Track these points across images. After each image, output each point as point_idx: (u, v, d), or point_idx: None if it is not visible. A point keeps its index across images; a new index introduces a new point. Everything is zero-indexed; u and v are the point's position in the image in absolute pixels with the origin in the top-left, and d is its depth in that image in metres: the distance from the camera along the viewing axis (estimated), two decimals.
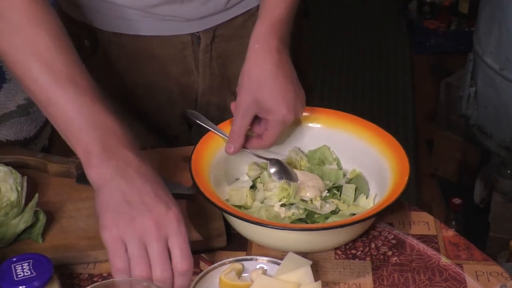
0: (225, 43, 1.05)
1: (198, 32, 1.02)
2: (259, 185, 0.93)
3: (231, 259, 0.83)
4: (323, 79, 2.78)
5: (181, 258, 0.74)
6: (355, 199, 0.92)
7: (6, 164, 0.92)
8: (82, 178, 0.96)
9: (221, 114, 1.06)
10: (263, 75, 0.88)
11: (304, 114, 0.99)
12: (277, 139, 0.92)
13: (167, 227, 0.74)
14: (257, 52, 0.89)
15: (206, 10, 1.00)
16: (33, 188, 0.92)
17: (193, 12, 1.00)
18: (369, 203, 0.91)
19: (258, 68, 0.89)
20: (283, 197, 0.90)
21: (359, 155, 0.96)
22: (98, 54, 1.03)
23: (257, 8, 0.99)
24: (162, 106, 1.07)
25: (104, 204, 0.74)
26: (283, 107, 0.88)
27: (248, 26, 1.02)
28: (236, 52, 1.05)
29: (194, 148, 0.92)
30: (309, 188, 0.91)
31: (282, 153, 0.98)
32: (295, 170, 0.94)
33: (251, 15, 1.04)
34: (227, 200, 0.89)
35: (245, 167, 0.96)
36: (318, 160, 0.97)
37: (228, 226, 0.89)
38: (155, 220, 0.73)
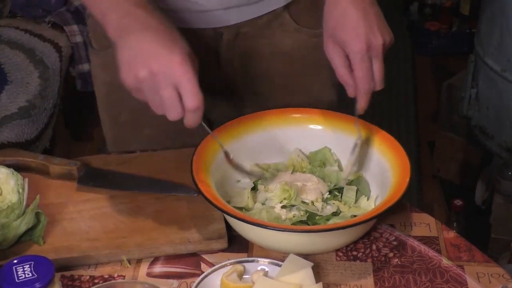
0: (250, 42, 1.04)
1: (221, 28, 1.02)
2: (260, 187, 0.93)
3: (232, 260, 0.83)
4: None
5: (188, 97, 0.79)
6: (356, 201, 0.92)
7: (8, 166, 0.92)
8: (83, 180, 0.97)
9: (238, 113, 1.04)
10: (336, 11, 0.88)
11: (304, 115, 0.99)
12: (378, 74, 0.87)
13: (171, 72, 0.78)
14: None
15: (228, 2, 0.98)
16: (34, 190, 0.92)
17: (216, 1, 0.98)
18: (370, 205, 0.91)
19: (333, 6, 0.89)
20: (284, 199, 0.90)
21: (361, 157, 0.95)
22: None
23: (283, 9, 1.00)
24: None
25: (118, 59, 0.81)
26: (353, 36, 0.86)
27: (274, 28, 1.02)
28: (260, 52, 1.04)
29: (196, 149, 0.92)
30: (310, 190, 0.91)
31: (284, 155, 0.98)
32: (297, 173, 0.94)
33: (277, 16, 1.02)
34: (228, 201, 0.89)
35: (247, 168, 0.96)
36: (319, 162, 0.97)
37: (229, 228, 0.89)
38: (157, 70, 0.78)
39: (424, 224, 0.93)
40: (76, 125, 2.51)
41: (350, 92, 0.89)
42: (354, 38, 0.85)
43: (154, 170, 0.99)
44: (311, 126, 0.99)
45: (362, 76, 0.87)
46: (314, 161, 0.98)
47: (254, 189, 0.94)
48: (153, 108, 0.81)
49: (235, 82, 1.07)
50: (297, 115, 1.00)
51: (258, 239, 0.86)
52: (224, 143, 0.93)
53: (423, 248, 0.89)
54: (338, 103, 1.09)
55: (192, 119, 0.81)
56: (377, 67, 0.87)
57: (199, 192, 0.85)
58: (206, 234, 0.88)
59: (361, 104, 0.89)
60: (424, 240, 0.90)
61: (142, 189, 0.96)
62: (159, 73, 0.78)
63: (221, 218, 0.90)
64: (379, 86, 0.88)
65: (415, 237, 0.90)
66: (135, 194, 0.95)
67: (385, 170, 0.91)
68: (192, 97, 0.79)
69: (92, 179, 0.97)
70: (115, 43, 0.81)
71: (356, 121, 0.93)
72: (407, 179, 0.86)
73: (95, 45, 1.07)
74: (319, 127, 0.99)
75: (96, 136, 2.56)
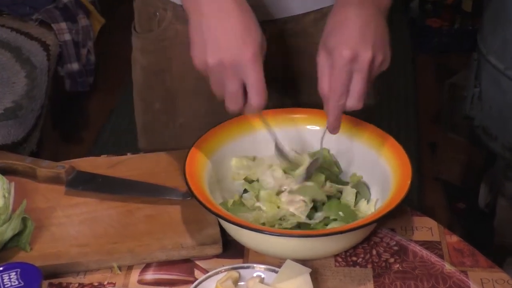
0: (294, 38, 1.04)
1: (265, 22, 1.00)
2: (249, 195, 0.93)
3: (227, 267, 0.83)
4: None
5: (254, 93, 0.81)
6: (355, 204, 0.92)
7: None
8: (72, 184, 0.97)
9: None
10: (337, 17, 0.85)
11: (302, 115, 0.99)
12: (356, 91, 0.82)
13: (241, 66, 0.79)
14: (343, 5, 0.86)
15: None
16: (21, 194, 0.92)
17: None
18: (370, 208, 0.91)
19: (337, 12, 0.86)
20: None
21: (360, 159, 0.95)
22: (161, 30, 1.04)
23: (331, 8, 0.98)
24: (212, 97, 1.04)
25: (190, 35, 0.82)
26: (341, 42, 0.82)
27: (319, 26, 1.00)
28: (303, 50, 1.04)
29: (189, 151, 0.92)
30: (296, 203, 0.90)
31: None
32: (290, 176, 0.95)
33: (324, 15, 1.01)
34: (222, 204, 0.89)
35: (243, 170, 0.96)
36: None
37: (224, 233, 0.89)
38: (228, 60, 0.79)
39: (426, 228, 0.92)
40: (64, 126, 2.50)
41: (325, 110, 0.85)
42: (341, 45, 0.81)
43: (146, 173, 0.99)
44: (308, 126, 0.99)
45: (333, 87, 0.83)
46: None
47: (245, 191, 0.95)
48: (214, 91, 0.84)
49: (275, 78, 1.07)
50: (295, 115, 1.01)
51: (253, 244, 0.86)
52: (221, 142, 0.94)
53: (425, 253, 0.88)
54: (376, 108, 1.09)
55: (252, 113, 0.85)
56: (357, 83, 0.82)
57: (193, 195, 0.85)
58: (199, 239, 0.88)
59: (329, 120, 0.85)
60: (426, 244, 0.90)
61: (133, 193, 0.96)
62: (228, 64, 0.80)
63: (215, 223, 0.90)
64: (355, 104, 0.83)
65: (416, 242, 0.90)
66: (126, 198, 0.95)
67: (385, 172, 0.91)
68: (258, 95, 0.81)
69: (81, 182, 0.97)
70: (190, 16, 0.83)
71: (321, 139, 0.91)
72: (408, 182, 0.86)
73: (138, 28, 1.08)
74: (317, 127, 0.99)
75: (86, 138, 2.56)
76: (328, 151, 0.98)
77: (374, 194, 0.93)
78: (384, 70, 0.85)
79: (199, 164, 0.90)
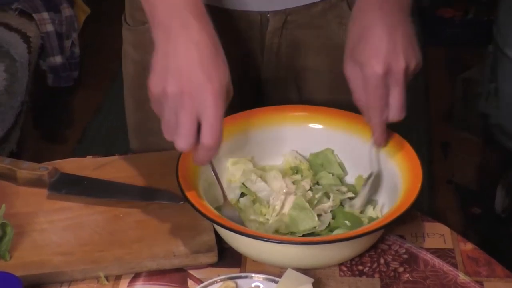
0: (299, 30, 1.04)
1: (268, 12, 1.02)
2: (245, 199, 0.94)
3: (223, 276, 0.83)
4: None
5: (209, 131, 0.79)
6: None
7: None
8: (55, 187, 0.97)
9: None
10: (360, 25, 0.87)
11: (304, 114, 1.00)
12: (396, 103, 0.87)
13: (201, 99, 0.78)
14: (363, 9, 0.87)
15: None
16: (0, 198, 0.91)
17: None
18: (377, 214, 0.92)
19: (358, 19, 0.87)
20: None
21: (366, 159, 0.95)
22: None
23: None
24: None
25: (153, 61, 0.81)
26: (371, 57, 0.84)
27: (328, 18, 1.03)
28: (310, 43, 1.05)
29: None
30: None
31: (277, 158, 0.99)
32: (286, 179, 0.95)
33: (333, 6, 1.03)
34: (218, 208, 0.89)
35: (240, 172, 0.96)
36: (320, 165, 0.98)
37: (219, 240, 0.89)
38: (188, 91, 0.78)
39: (438, 234, 0.93)
40: (47, 125, 2.50)
41: (366, 120, 0.89)
42: (372, 59, 0.84)
43: (135, 175, 1.00)
44: (311, 125, 0.99)
45: (372, 106, 0.86)
46: (315, 164, 0.98)
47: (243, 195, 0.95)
48: (163, 128, 0.82)
49: (278, 73, 1.08)
50: (296, 113, 1.01)
51: (252, 252, 0.87)
52: None
53: (437, 261, 0.89)
54: None
55: (202, 157, 0.82)
56: (396, 95, 0.86)
57: (186, 199, 0.85)
58: (193, 247, 0.88)
59: (375, 135, 0.90)
60: (438, 252, 0.90)
61: (121, 197, 0.96)
62: (188, 95, 0.78)
63: (210, 229, 0.90)
64: (397, 116, 0.88)
65: (427, 250, 0.90)
66: (113, 202, 0.95)
67: (394, 174, 0.91)
68: (212, 134, 0.79)
69: (65, 185, 0.97)
70: (156, 42, 0.82)
71: (370, 151, 0.93)
72: (419, 185, 0.87)
73: (129, 21, 1.08)
74: (320, 126, 0.99)
75: (70, 138, 2.56)
76: (332, 152, 0.98)
77: (381, 198, 0.94)
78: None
79: (193, 166, 0.90)
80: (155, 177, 0.98)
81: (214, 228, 0.90)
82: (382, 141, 0.91)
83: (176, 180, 0.87)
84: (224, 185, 0.94)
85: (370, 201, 0.93)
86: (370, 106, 0.87)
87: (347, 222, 0.88)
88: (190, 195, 0.86)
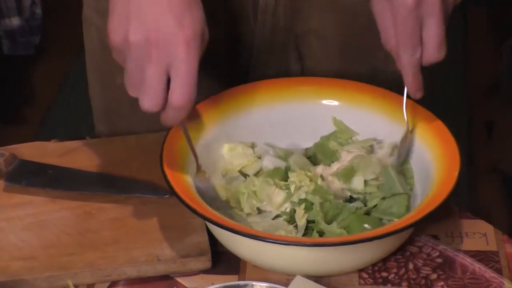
0: None
1: None
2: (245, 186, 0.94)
3: (218, 285, 0.83)
4: None
5: (178, 89, 0.79)
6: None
7: None
8: (14, 177, 0.97)
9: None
10: None
11: (313, 87, 1.00)
12: (433, 39, 0.86)
13: (171, 50, 0.78)
14: None
15: None
16: None
17: None
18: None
19: None
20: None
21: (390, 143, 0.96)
22: None
23: None
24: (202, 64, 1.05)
25: (110, 3, 0.80)
26: None
27: None
28: (312, 3, 1.05)
29: (167, 134, 0.92)
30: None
31: (283, 142, 1.00)
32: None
33: None
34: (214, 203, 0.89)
35: (238, 160, 0.97)
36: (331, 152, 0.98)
37: (213, 241, 0.89)
38: (156, 40, 0.78)
39: (479, 234, 0.93)
40: (2, 102, 2.50)
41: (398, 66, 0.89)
42: None
43: (111, 163, 1.00)
44: (324, 101, 1.00)
45: (402, 42, 0.86)
46: (325, 151, 0.99)
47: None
48: (126, 83, 0.82)
49: (275, 38, 1.08)
50: (304, 87, 1.01)
51: (252, 256, 0.87)
52: (209, 122, 0.94)
53: (477, 266, 0.89)
54: None
55: (171, 118, 0.82)
56: (432, 28, 0.85)
57: (173, 192, 0.85)
58: (182, 250, 0.88)
59: (407, 80, 0.88)
60: (480, 256, 0.90)
61: (94, 189, 0.96)
62: (155, 45, 0.78)
63: (202, 228, 0.90)
64: (434, 55, 0.87)
65: (466, 252, 0.91)
66: (84, 196, 0.95)
67: (425, 161, 0.92)
68: (184, 90, 0.80)
69: (26, 175, 0.97)
70: None
71: (404, 103, 0.93)
72: (456, 174, 0.87)
73: None
74: (335, 103, 0.99)
75: (30, 117, 2.55)
76: (335, 118, 0.99)
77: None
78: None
79: (180, 152, 0.90)
80: (134, 165, 0.99)
81: (207, 227, 0.90)
82: (416, 88, 0.89)
83: (160, 169, 0.87)
84: (219, 176, 0.95)
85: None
86: (401, 44, 0.86)
87: (366, 225, 0.89)
88: (177, 186, 0.86)
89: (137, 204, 0.94)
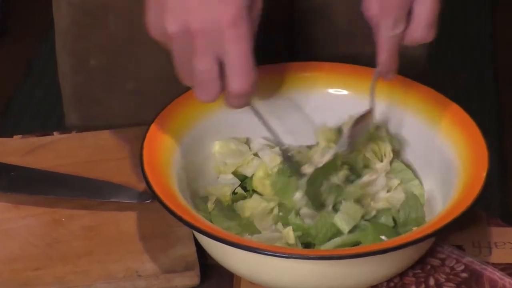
0: None
1: None
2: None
3: None
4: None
5: (235, 77, 0.80)
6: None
7: None
8: None
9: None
10: None
11: (320, 73, 1.01)
12: (423, 15, 0.85)
13: (217, 35, 0.78)
14: None
15: None
16: None
17: None
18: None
19: None
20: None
21: (408, 138, 0.97)
22: None
23: None
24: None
25: None
26: None
27: None
28: None
29: (148, 129, 0.92)
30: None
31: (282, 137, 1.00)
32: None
33: None
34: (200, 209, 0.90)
35: (232, 159, 0.97)
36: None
37: (202, 254, 0.89)
38: (196, 28, 0.78)
39: (510, 244, 0.93)
40: None
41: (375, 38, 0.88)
42: None
43: (83, 162, 1.01)
44: (331, 90, 1.00)
45: (386, 10, 0.85)
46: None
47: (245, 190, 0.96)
48: (178, 72, 0.83)
49: (280, 17, 1.08)
50: (309, 73, 1.02)
51: (248, 270, 0.87)
52: (195, 115, 0.95)
53: (508, 281, 0.89)
54: (434, 62, 1.10)
55: (236, 105, 0.84)
56: (426, 3, 0.85)
57: (155, 196, 0.85)
58: (165, 264, 0.88)
59: (381, 57, 0.88)
60: (511, 269, 0.90)
61: (63, 193, 0.96)
62: (197, 33, 0.78)
63: (189, 238, 0.90)
64: (422, 35, 0.87)
65: (496, 265, 0.91)
66: (53, 201, 0.95)
67: (448, 159, 0.92)
68: (241, 76, 0.80)
69: None
70: None
71: (372, 86, 0.93)
72: (484, 174, 0.87)
73: None
74: (344, 91, 1.00)
75: None
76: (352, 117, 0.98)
77: (430, 191, 0.94)
78: None
79: (164, 150, 0.91)
80: (111, 165, 0.99)
81: (194, 237, 0.90)
82: (389, 69, 0.89)
83: (140, 170, 0.87)
84: (208, 178, 0.96)
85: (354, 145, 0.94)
86: (384, 13, 0.85)
87: (383, 237, 0.89)
88: (160, 190, 0.86)
89: (114, 210, 0.94)
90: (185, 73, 0.82)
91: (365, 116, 0.94)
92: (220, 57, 0.79)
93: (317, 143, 0.98)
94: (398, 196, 0.93)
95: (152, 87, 1.10)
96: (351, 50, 1.08)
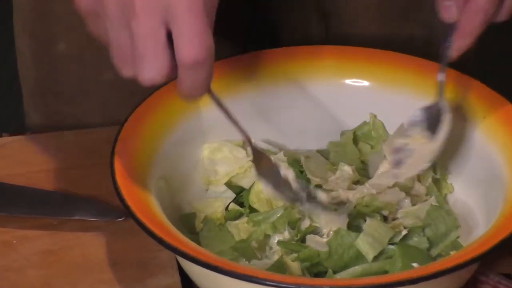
0: None
1: None
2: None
3: None
4: None
5: (185, 40, 0.78)
6: None
7: None
8: None
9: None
10: None
11: (335, 61, 1.02)
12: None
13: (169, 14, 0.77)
14: None
15: None
16: None
17: None
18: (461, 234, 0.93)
19: None
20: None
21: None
22: None
23: None
24: None
25: None
26: None
27: None
28: None
29: (120, 130, 0.92)
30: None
31: (287, 139, 1.02)
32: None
33: None
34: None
35: (225, 167, 0.98)
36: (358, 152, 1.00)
37: (189, 284, 0.89)
38: None
39: None
40: None
41: (448, 15, 0.90)
42: None
43: (42, 171, 1.01)
44: (348, 81, 1.01)
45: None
46: (347, 153, 1.00)
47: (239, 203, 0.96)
48: (114, 58, 0.81)
49: None
50: (323, 61, 1.03)
51: None
52: (180, 111, 0.95)
53: None
54: (483, 52, 1.11)
55: (189, 84, 0.81)
56: None
57: (129, 213, 0.84)
58: None
59: (459, 45, 0.90)
60: None
61: (16, 210, 0.96)
62: None
63: (172, 265, 0.91)
64: (502, 15, 0.90)
65: None
66: (3, 220, 0.96)
67: (493, 165, 0.93)
68: (194, 39, 0.78)
69: None
70: None
71: (441, 74, 0.93)
72: None
73: None
74: (365, 83, 1.01)
75: None
76: (382, 125, 1.00)
77: (462, 204, 0.96)
78: None
79: (140, 156, 0.91)
80: (75, 174, 0.99)
81: (178, 263, 0.90)
82: (467, 42, 0.91)
83: (111, 181, 0.87)
84: (198, 191, 0.96)
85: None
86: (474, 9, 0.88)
87: (415, 264, 0.88)
88: (136, 205, 0.85)
89: (78, 231, 0.94)
90: (125, 53, 0.80)
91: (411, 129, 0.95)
92: (167, 20, 0.78)
93: (340, 166, 0.98)
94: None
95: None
96: (383, 30, 1.10)
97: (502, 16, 0.90)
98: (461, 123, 0.96)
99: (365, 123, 1.00)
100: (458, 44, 0.90)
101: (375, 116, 1.00)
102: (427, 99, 0.96)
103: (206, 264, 0.81)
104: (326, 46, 1.04)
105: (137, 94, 0.96)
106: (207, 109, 0.97)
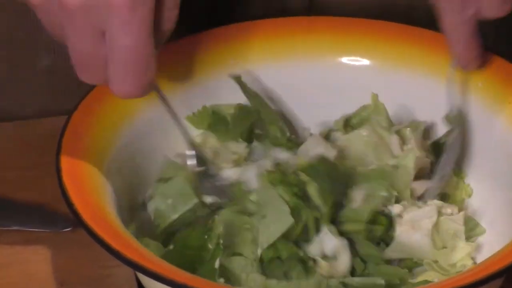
0: None
1: None
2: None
3: None
4: None
5: (116, 75, 0.81)
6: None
7: None
8: None
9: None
10: None
11: (331, 36, 1.02)
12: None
13: (106, 14, 0.80)
14: None
15: None
16: None
17: None
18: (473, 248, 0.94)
19: None
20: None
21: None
22: None
23: None
24: None
25: None
26: None
27: None
28: None
29: (69, 118, 0.92)
30: None
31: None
32: None
33: None
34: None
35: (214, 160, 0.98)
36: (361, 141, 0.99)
37: None
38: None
39: None
40: None
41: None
42: None
43: None
44: (344, 59, 1.02)
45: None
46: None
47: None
48: (75, 61, 0.83)
49: None
50: (314, 35, 1.04)
51: None
52: (133, 105, 0.95)
53: None
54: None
55: (131, 79, 0.83)
56: None
57: (79, 222, 0.84)
58: None
59: (457, 46, 0.94)
60: None
61: None
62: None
63: (131, 285, 0.91)
64: (496, 7, 0.92)
65: None
66: None
67: None
68: (127, 78, 0.82)
69: None
70: None
71: (449, 85, 0.96)
72: None
73: None
74: (365, 61, 1.01)
75: None
76: (383, 106, 1.01)
77: (488, 211, 0.98)
78: None
79: (93, 152, 0.91)
80: (13, 176, 1.00)
81: (138, 280, 0.90)
82: (470, 59, 0.95)
83: (58, 182, 0.86)
84: None
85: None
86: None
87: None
88: (88, 212, 0.84)
89: (17, 244, 0.95)
90: (89, 59, 0.83)
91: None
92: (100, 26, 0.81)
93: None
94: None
95: None
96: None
97: (492, 9, 0.92)
98: (481, 110, 0.97)
99: (364, 107, 1.01)
100: (465, 60, 0.94)
101: (375, 96, 1.01)
102: (439, 80, 0.98)
103: (172, 282, 0.80)
104: (315, 18, 1.05)
105: (80, 82, 0.97)
106: (189, 91, 0.99)
